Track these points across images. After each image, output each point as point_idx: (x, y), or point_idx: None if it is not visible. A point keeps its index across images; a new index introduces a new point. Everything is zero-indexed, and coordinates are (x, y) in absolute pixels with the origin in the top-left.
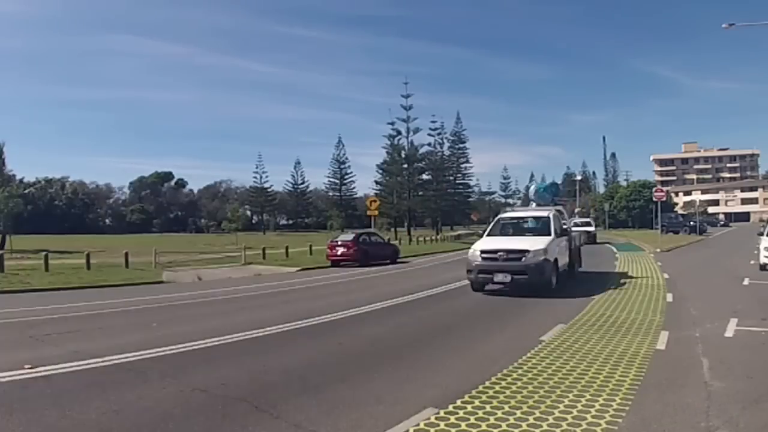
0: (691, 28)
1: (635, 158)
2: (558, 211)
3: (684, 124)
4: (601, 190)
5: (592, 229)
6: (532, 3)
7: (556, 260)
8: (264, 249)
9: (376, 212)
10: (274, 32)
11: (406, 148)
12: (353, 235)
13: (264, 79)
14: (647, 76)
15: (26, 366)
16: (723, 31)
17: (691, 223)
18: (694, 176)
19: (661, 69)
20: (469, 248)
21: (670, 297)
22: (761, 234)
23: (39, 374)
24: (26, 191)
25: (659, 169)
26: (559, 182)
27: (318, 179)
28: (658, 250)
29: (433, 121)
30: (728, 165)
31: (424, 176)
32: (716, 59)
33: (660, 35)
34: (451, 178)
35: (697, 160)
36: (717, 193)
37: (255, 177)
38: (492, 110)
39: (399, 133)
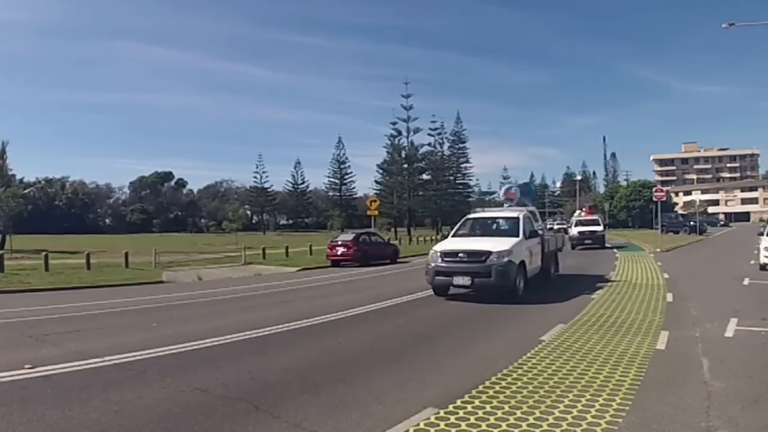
0: (677, 34)
1: (635, 158)
2: (530, 212)
3: (681, 125)
4: (602, 190)
5: (599, 228)
6: (525, 11)
7: (522, 263)
8: (264, 249)
9: (376, 212)
10: (275, 39)
11: (407, 148)
12: (353, 235)
13: (265, 83)
14: (638, 80)
15: (26, 366)
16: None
17: (691, 223)
18: (694, 176)
19: (650, 73)
20: None
21: (670, 297)
22: (761, 234)
23: (39, 374)
24: (26, 191)
25: (659, 169)
26: (559, 183)
27: (318, 180)
28: (658, 250)
29: (433, 122)
30: (728, 165)
31: (424, 176)
32: (703, 64)
33: (648, 41)
34: (451, 178)
35: (697, 160)
36: (717, 193)
37: (255, 177)
38: (488, 113)
39: (399, 133)
